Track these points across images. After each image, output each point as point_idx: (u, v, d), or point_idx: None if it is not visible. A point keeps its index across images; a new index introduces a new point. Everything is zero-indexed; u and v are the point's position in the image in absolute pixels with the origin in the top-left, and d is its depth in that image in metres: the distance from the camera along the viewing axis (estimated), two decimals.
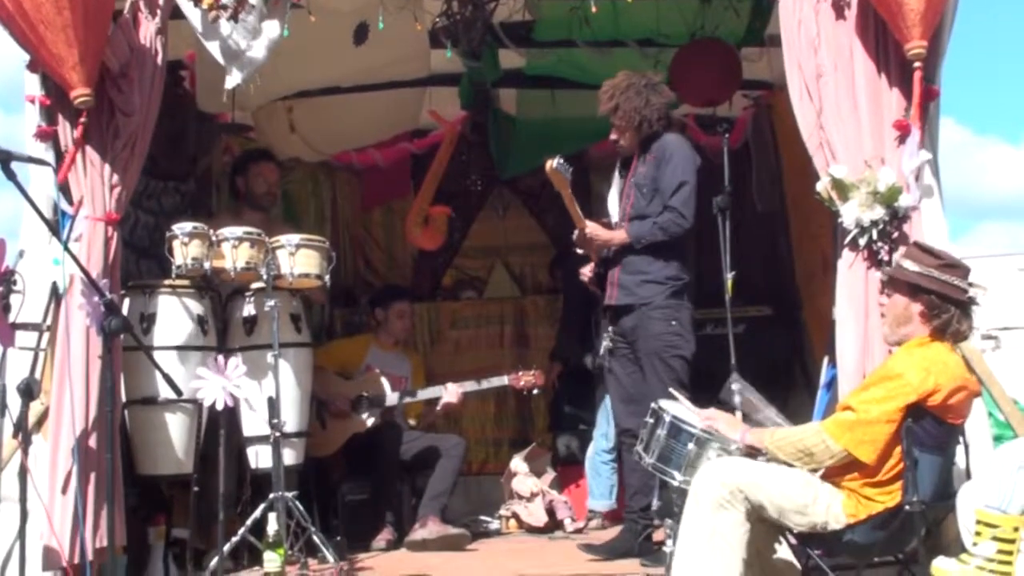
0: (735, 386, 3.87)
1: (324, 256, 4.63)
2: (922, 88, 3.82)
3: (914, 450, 3.07)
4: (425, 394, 5.54)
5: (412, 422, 5.69)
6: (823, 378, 4.76)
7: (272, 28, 4.27)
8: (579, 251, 4.75)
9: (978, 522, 3.04)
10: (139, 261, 5.09)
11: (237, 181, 5.39)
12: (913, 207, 3.87)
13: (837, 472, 3.21)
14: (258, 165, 5.37)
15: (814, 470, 3.25)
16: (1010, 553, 2.95)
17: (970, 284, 3.27)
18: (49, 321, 3.96)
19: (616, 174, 4.79)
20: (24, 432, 3.59)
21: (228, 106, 5.69)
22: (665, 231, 4.44)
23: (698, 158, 4.56)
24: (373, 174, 7.50)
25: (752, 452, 3.36)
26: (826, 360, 4.75)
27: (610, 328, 4.60)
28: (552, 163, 4.38)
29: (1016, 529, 2.92)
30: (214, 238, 4.40)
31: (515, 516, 5.70)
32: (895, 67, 3.96)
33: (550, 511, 5.61)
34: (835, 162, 3.95)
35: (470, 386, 5.52)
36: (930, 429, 3.12)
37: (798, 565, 3.51)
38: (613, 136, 4.66)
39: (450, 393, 5.47)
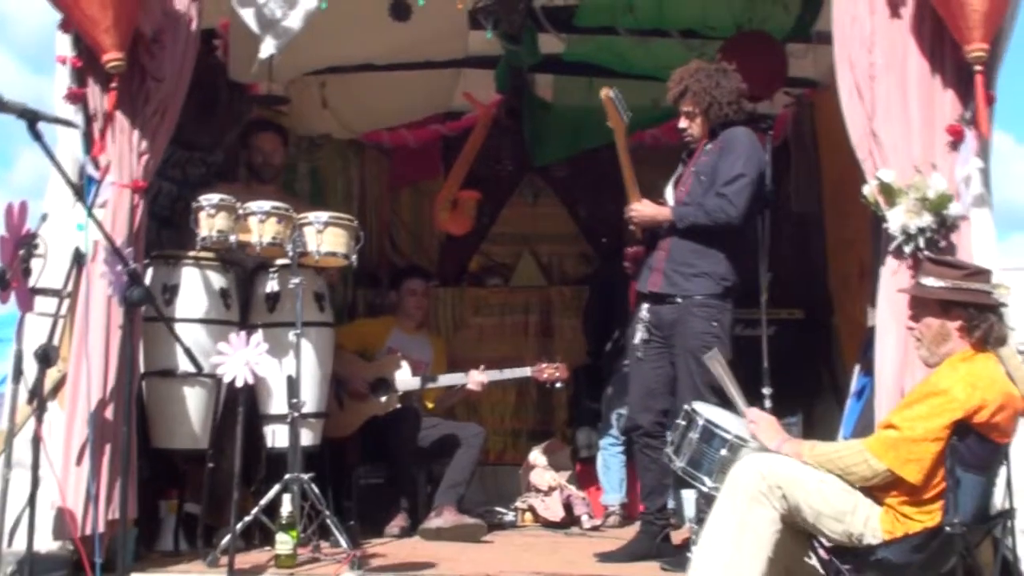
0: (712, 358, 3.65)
1: (352, 235, 4.54)
2: (984, 93, 3.67)
3: (957, 469, 2.96)
4: (446, 380, 5.45)
5: (429, 405, 5.60)
6: (853, 386, 4.65)
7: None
8: (631, 227, 4.55)
9: None
10: (159, 231, 5.01)
11: (242, 154, 5.27)
12: (962, 216, 3.73)
13: (878, 488, 3.09)
14: (256, 136, 5.23)
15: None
16: None
17: (994, 286, 3.20)
18: (70, 288, 3.90)
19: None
20: (39, 399, 3.53)
21: (260, 77, 5.60)
22: (710, 215, 4.25)
23: (765, 158, 4.34)
24: (403, 154, 7.41)
25: None
26: (857, 368, 4.63)
27: (647, 318, 4.42)
28: (609, 91, 4.06)
29: None
30: (241, 211, 4.32)
31: (531, 509, 5.62)
32: (950, 69, 3.83)
33: (567, 506, 5.53)
34: (883, 165, 3.83)
35: (493, 374, 5.41)
36: (974, 448, 2.99)
37: None
38: (682, 124, 4.43)
39: (473, 381, 5.38)
